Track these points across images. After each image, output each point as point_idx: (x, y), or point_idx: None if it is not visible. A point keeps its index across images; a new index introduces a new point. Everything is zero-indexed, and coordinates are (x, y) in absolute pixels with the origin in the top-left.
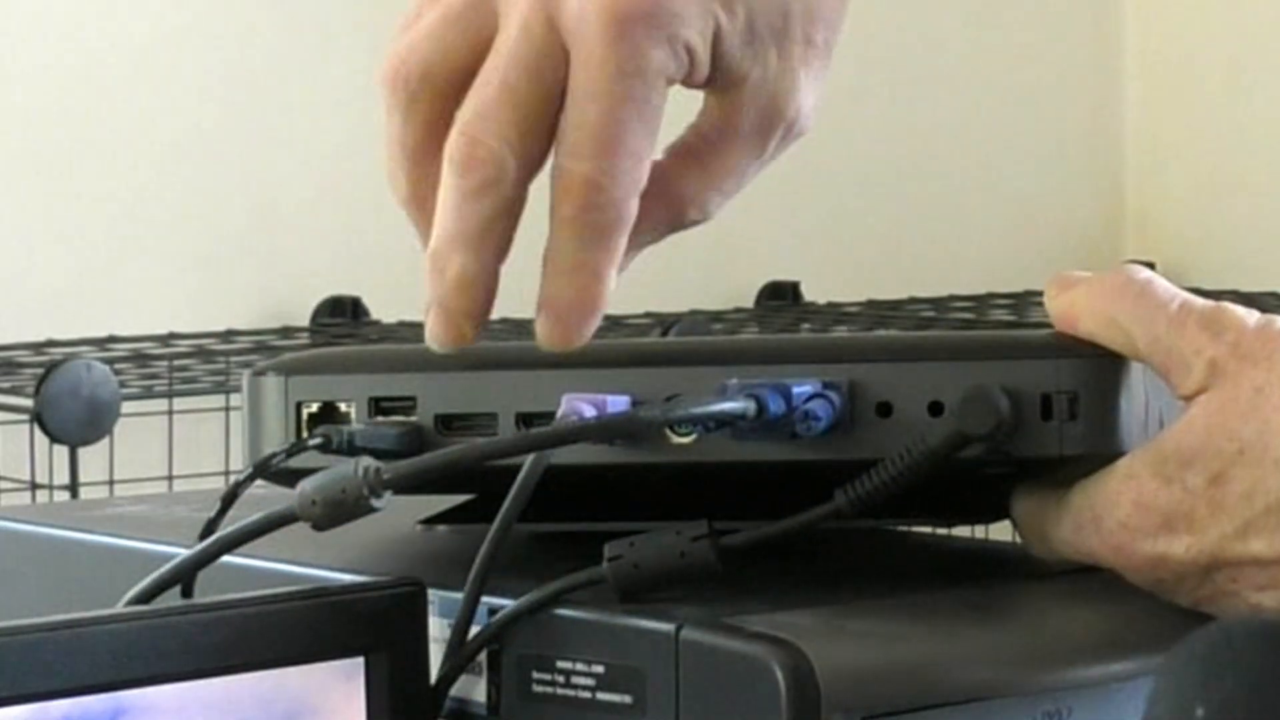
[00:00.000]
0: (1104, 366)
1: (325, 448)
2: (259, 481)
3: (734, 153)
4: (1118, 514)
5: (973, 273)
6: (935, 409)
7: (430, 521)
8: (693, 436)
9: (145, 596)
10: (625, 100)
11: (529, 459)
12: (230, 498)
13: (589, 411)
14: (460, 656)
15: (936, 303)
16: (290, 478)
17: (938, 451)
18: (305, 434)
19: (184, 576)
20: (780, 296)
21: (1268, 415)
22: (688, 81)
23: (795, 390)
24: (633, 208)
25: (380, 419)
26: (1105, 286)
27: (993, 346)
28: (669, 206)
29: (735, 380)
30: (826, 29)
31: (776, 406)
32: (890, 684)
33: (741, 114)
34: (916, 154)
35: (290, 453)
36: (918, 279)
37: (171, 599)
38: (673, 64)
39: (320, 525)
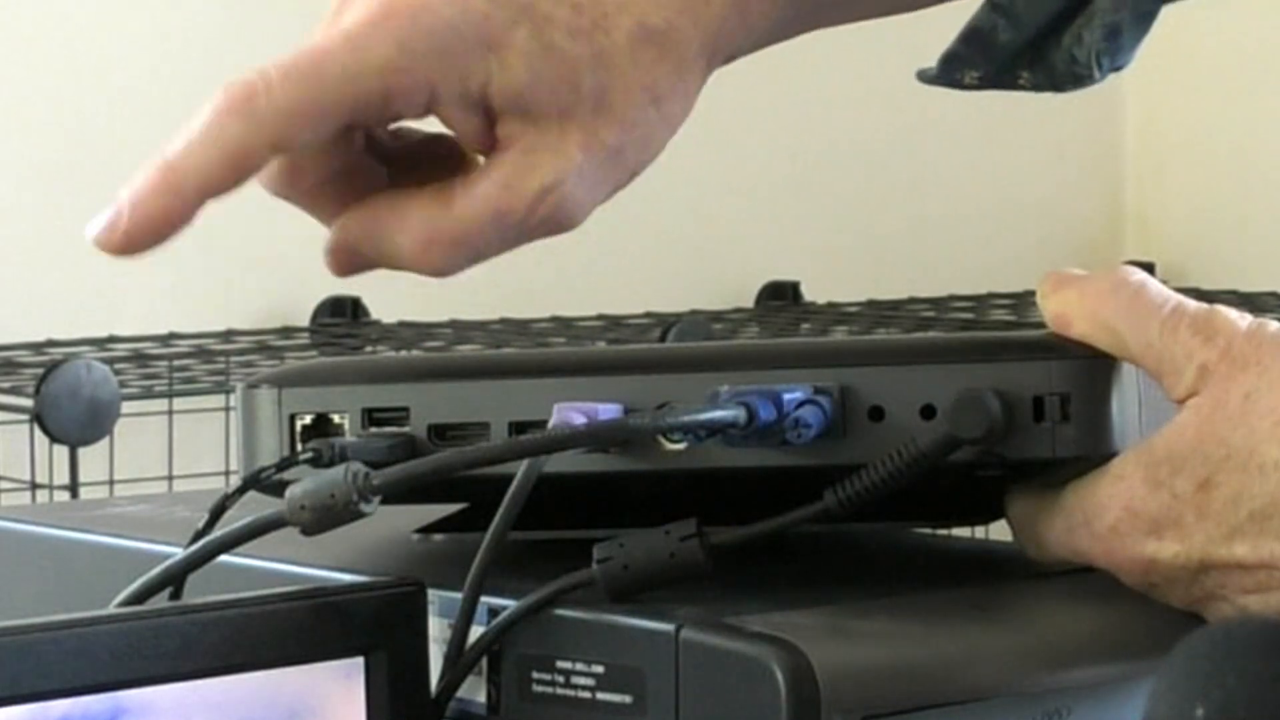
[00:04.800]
0: (1096, 368)
1: (316, 462)
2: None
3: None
4: (1108, 517)
5: (973, 273)
6: (928, 412)
7: (425, 530)
8: (684, 444)
9: (135, 600)
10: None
11: (522, 466)
12: (219, 510)
13: (580, 420)
14: (459, 668)
15: (936, 303)
16: (283, 490)
17: (929, 454)
18: (299, 445)
19: (173, 580)
20: (780, 296)
21: (1254, 422)
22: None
23: (786, 397)
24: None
25: (373, 430)
26: (1099, 288)
27: (984, 348)
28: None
29: (726, 387)
30: (621, 132)
31: (767, 414)
32: (890, 684)
33: (491, 170)
34: (916, 154)
35: (281, 467)
36: (918, 279)
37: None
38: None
39: (309, 530)
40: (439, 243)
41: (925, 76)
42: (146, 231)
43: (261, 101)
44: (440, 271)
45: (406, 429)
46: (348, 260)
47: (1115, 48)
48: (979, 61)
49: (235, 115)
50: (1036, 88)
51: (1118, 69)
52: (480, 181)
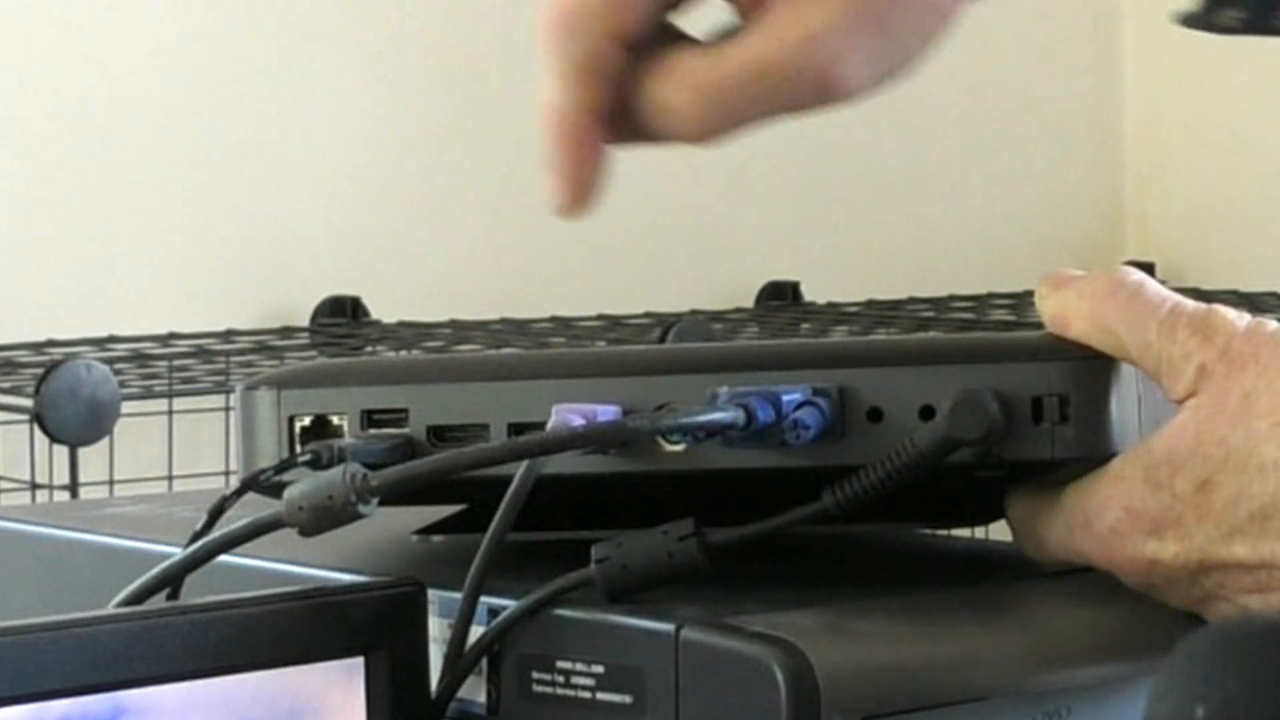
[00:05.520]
0: (1095, 369)
1: (315, 464)
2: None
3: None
4: (1108, 518)
5: (973, 273)
6: (926, 413)
7: (425, 532)
8: (683, 445)
9: (133, 601)
10: None
11: (521, 467)
12: (217, 512)
13: (579, 422)
14: (459, 668)
15: (936, 303)
16: (282, 491)
17: (928, 455)
18: (298, 447)
19: (171, 581)
20: (780, 296)
21: (1253, 422)
22: None
23: (785, 398)
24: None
25: (372, 432)
26: (1097, 289)
27: (983, 349)
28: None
29: (725, 389)
30: (893, 9)
31: (766, 415)
32: (890, 684)
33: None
34: (916, 154)
35: (279, 469)
36: (918, 279)
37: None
38: None
39: (307, 531)
40: (703, 91)
41: (1184, 17)
42: (584, 180)
43: (576, 9)
44: (701, 127)
45: (405, 430)
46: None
47: None
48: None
49: (564, 34)
50: None
51: None
52: (746, 34)
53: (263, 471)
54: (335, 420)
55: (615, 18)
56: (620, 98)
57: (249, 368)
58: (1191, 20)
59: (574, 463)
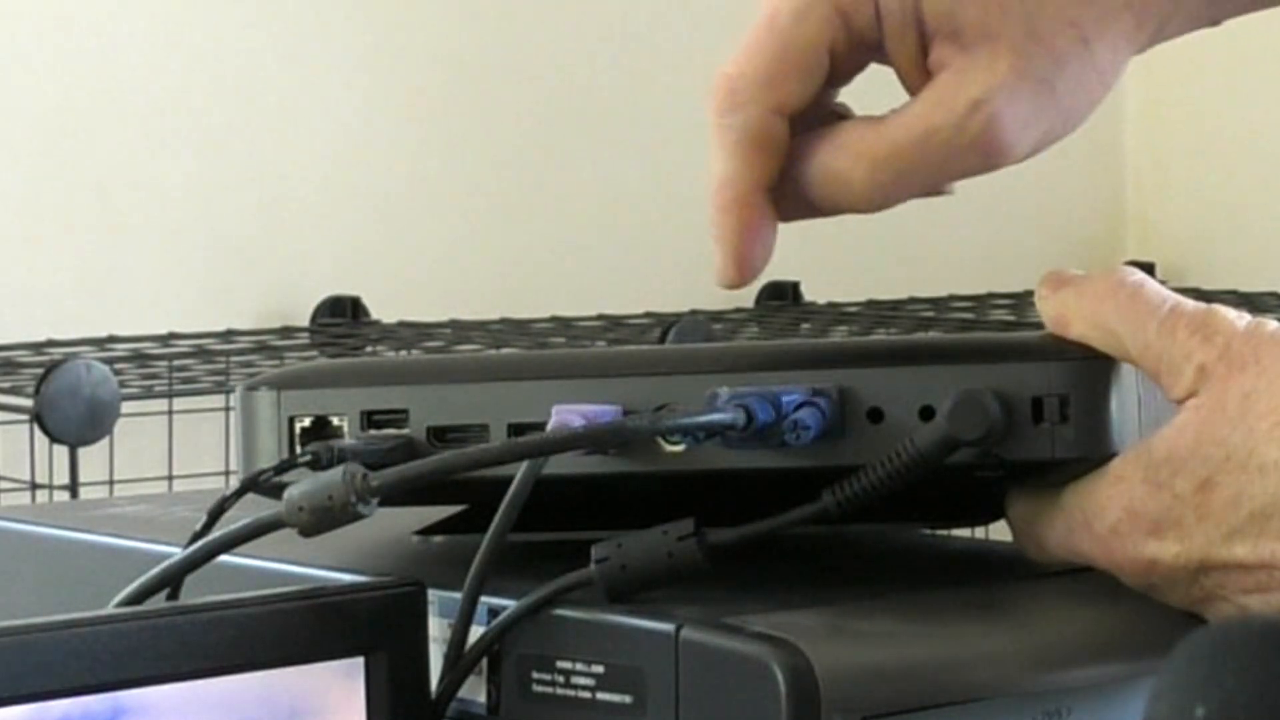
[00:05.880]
0: (1095, 369)
1: (315, 465)
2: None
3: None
4: (1108, 518)
5: (973, 273)
6: (926, 413)
7: (425, 532)
8: (683, 446)
9: (132, 601)
10: None
11: (521, 468)
12: (217, 513)
13: (578, 422)
14: (460, 668)
15: (936, 303)
16: (282, 492)
17: (927, 455)
18: (298, 447)
19: (170, 581)
20: (780, 296)
21: (1253, 422)
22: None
23: (784, 399)
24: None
25: (372, 432)
26: (1096, 289)
27: (983, 349)
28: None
29: (725, 389)
30: (1051, 63)
31: (765, 415)
32: (890, 684)
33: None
34: None
35: (279, 470)
36: (918, 279)
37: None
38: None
39: (307, 531)
40: (867, 157)
41: None
42: (749, 251)
43: (743, 80)
44: (871, 195)
45: (406, 431)
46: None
47: None
48: None
49: (728, 108)
50: None
51: None
52: (912, 103)
53: (263, 472)
54: (335, 421)
55: (779, 90)
56: (787, 171)
57: (249, 368)
58: None
59: (574, 463)
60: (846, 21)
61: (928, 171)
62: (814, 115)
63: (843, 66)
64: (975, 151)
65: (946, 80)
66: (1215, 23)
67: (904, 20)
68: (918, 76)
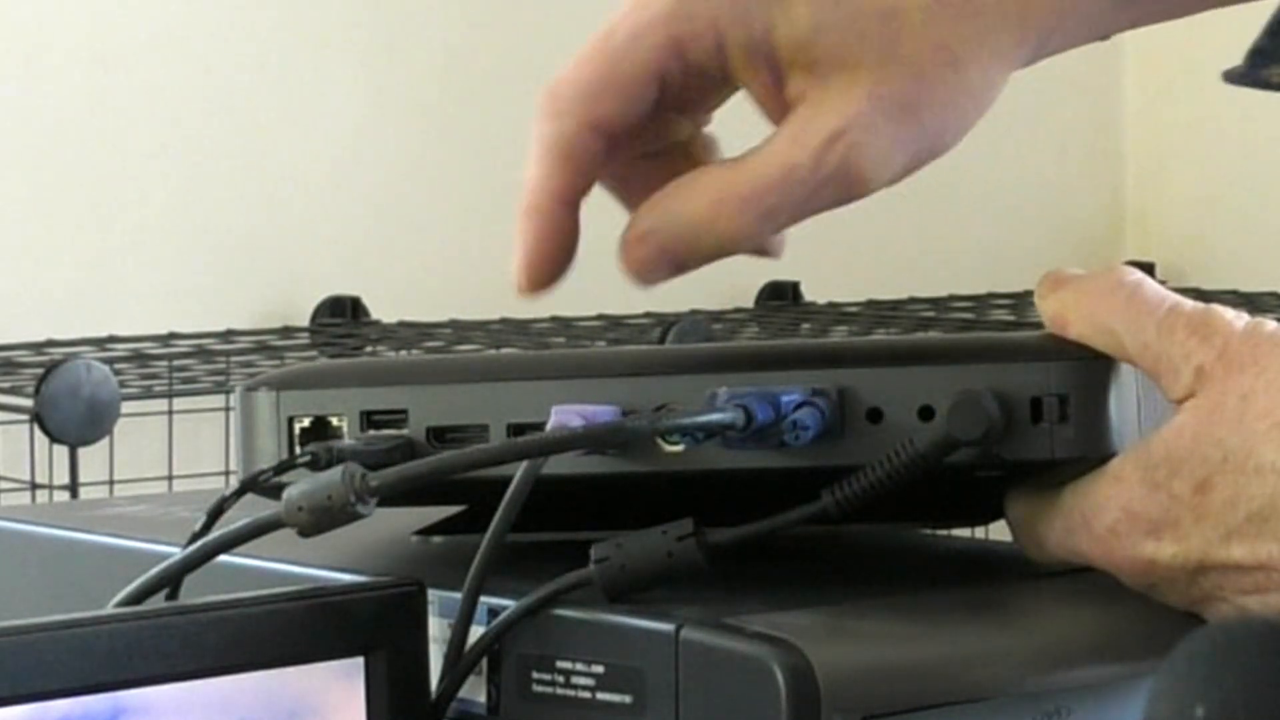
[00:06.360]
0: (1094, 369)
1: (314, 465)
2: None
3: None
4: (1106, 519)
5: (973, 273)
6: (926, 413)
7: (425, 533)
8: (682, 446)
9: (131, 601)
10: None
11: (521, 468)
12: (216, 513)
13: (578, 422)
14: (460, 668)
15: (936, 303)
16: (281, 492)
17: (927, 456)
18: (298, 448)
19: (170, 582)
20: (780, 296)
21: (1251, 423)
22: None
23: (784, 399)
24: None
25: (371, 433)
26: (1095, 289)
27: (982, 349)
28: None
29: (724, 389)
30: (913, 85)
31: (765, 416)
32: (890, 684)
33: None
34: None
35: (278, 471)
36: (918, 279)
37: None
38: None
39: (306, 532)
40: (728, 201)
41: (1231, 76)
42: (537, 259)
43: (564, 90)
44: (736, 238)
45: (405, 431)
46: (644, 252)
47: None
48: None
49: (546, 115)
50: None
51: None
52: (769, 140)
53: (262, 472)
54: (335, 421)
55: (596, 107)
56: (654, 223)
57: (249, 368)
58: (1236, 78)
59: (573, 463)
60: (681, 52)
61: (792, 208)
62: (680, 151)
63: (689, 95)
64: (836, 184)
65: (802, 114)
66: (1104, 37)
67: (753, 53)
68: (776, 108)
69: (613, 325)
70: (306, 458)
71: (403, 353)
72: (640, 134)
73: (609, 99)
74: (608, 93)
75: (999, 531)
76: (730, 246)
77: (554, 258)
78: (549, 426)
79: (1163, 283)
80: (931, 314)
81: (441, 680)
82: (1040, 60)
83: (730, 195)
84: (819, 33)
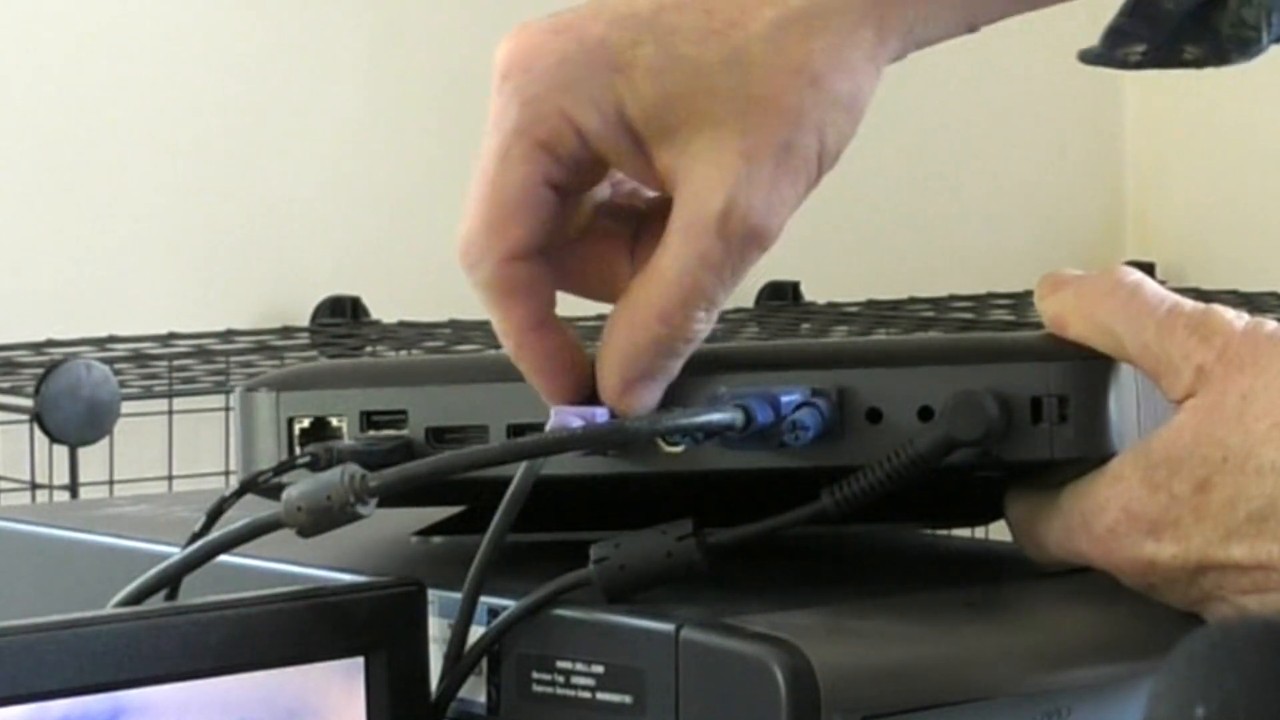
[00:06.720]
0: (1093, 369)
1: (314, 466)
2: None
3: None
4: (1106, 519)
5: (973, 273)
6: (925, 414)
7: (424, 533)
8: (682, 447)
9: (130, 601)
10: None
11: (520, 468)
12: (215, 514)
13: (577, 424)
14: (460, 669)
15: (936, 303)
16: (281, 493)
17: (926, 456)
18: (297, 448)
19: (169, 582)
20: (780, 296)
21: (1250, 424)
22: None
23: (783, 399)
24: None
25: (371, 434)
26: (1095, 289)
27: (982, 350)
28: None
29: (724, 389)
30: (782, 124)
31: (764, 416)
32: (890, 684)
33: (675, 208)
34: (916, 154)
35: (278, 471)
36: (918, 279)
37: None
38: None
39: (305, 532)
40: (664, 317)
41: (1088, 56)
42: (558, 386)
43: (469, 242)
44: (691, 338)
45: (404, 432)
46: (633, 398)
47: None
48: (1144, 34)
49: (470, 270)
50: (1201, 62)
51: None
52: (667, 238)
53: (262, 473)
54: (334, 422)
55: (505, 238)
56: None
57: (249, 368)
58: (1092, 58)
59: (573, 464)
60: (551, 151)
61: (726, 287)
62: (613, 225)
63: (589, 184)
64: (747, 250)
65: (684, 199)
66: (973, 28)
67: (612, 134)
68: (655, 182)
69: None
70: (306, 459)
71: (403, 353)
72: (566, 236)
73: (512, 227)
74: (508, 221)
75: (999, 531)
76: (693, 340)
77: (568, 366)
78: (548, 427)
79: (1163, 283)
80: (931, 314)
81: (441, 680)
82: (912, 52)
83: (661, 309)
84: (667, 101)
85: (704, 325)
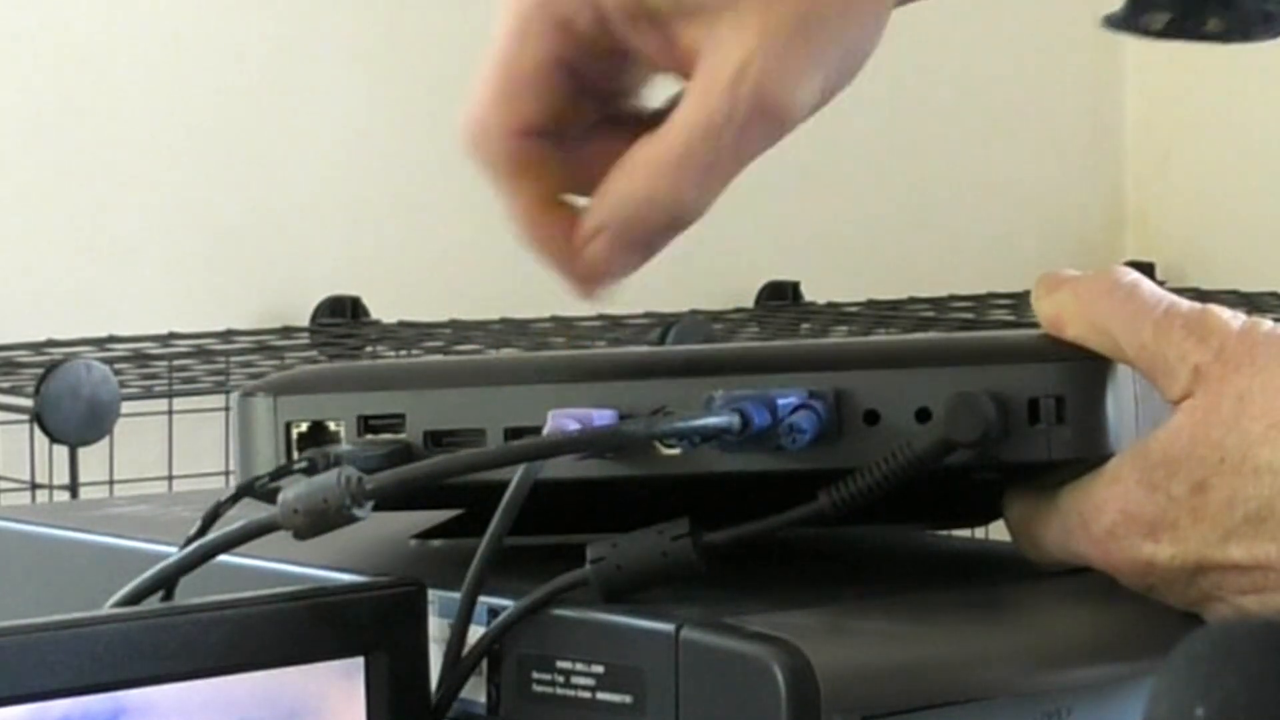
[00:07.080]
0: (1091, 370)
1: (311, 470)
2: None
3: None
4: (1104, 520)
5: (973, 273)
6: (923, 415)
7: (423, 536)
8: (679, 450)
9: (127, 603)
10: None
11: (518, 472)
12: (212, 517)
13: (574, 426)
14: (460, 669)
15: (936, 303)
16: (278, 497)
17: (924, 458)
18: (295, 452)
19: (165, 583)
20: (780, 296)
21: (1247, 424)
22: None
23: (780, 402)
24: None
25: (368, 438)
26: (1092, 289)
27: (979, 351)
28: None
29: (721, 392)
30: (809, 2)
31: (761, 419)
32: (890, 684)
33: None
34: (916, 154)
35: (274, 477)
36: (918, 279)
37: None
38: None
39: (302, 534)
40: (661, 171)
41: (1112, 21)
42: (577, 271)
43: (475, 119)
44: (681, 204)
45: (402, 436)
46: (599, 246)
47: None
48: (1168, 2)
49: (474, 151)
50: (1223, 36)
51: None
52: (682, 99)
53: (258, 478)
54: (332, 426)
55: (512, 112)
56: (608, 214)
57: (249, 368)
58: (1116, 22)
59: (570, 467)
60: (568, 30)
61: (725, 159)
62: (625, 128)
63: (602, 74)
64: (759, 120)
65: (704, 64)
66: None
67: (633, 15)
68: (677, 69)
69: (613, 325)
70: (303, 464)
71: (402, 353)
72: (576, 128)
73: (521, 101)
74: (517, 95)
75: (999, 531)
76: (680, 213)
77: (592, 250)
78: (545, 430)
79: (1162, 283)
80: (931, 314)
81: (441, 680)
82: None
83: (661, 164)
84: None
85: (693, 200)
